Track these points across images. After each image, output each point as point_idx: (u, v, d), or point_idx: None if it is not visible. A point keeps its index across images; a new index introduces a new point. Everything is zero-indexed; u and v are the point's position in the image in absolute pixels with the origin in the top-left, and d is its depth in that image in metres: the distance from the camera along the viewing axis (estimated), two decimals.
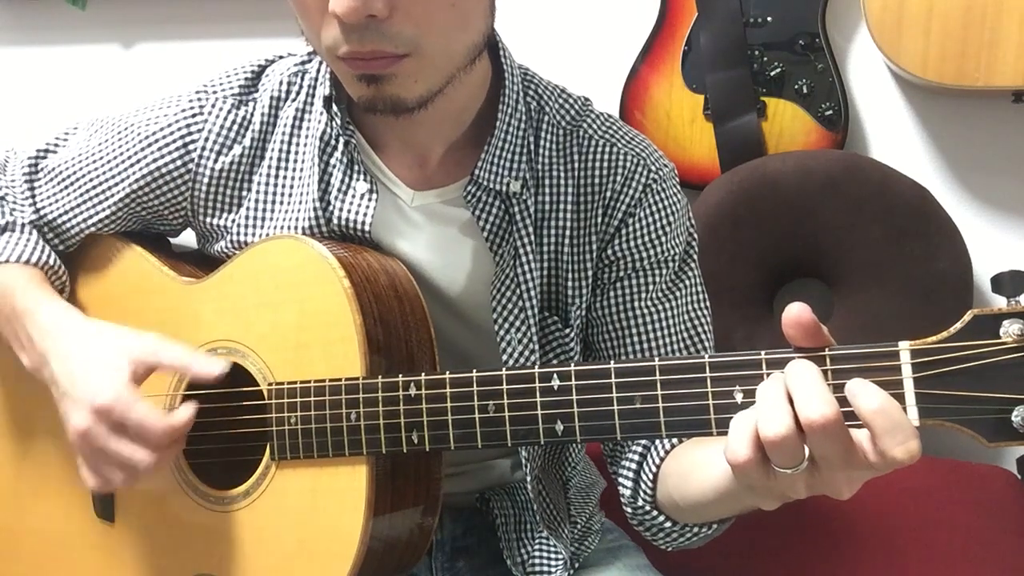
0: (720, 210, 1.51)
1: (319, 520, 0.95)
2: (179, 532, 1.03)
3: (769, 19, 1.53)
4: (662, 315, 1.07)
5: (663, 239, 1.06)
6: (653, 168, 1.07)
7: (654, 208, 1.06)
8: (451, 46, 0.92)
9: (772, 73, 1.53)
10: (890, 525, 1.36)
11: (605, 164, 1.06)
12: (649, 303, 1.07)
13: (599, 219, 1.06)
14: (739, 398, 0.79)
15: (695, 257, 1.11)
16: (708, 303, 1.12)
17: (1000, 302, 0.75)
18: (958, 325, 0.74)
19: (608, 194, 1.06)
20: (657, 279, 1.07)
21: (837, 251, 1.49)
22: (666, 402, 0.82)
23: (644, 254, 1.06)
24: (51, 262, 1.11)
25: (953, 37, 1.40)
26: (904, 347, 0.75)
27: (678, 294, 1.08)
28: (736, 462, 0.75)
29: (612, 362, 0.84)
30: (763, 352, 0.79)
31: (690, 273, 1.10)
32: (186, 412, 0.96)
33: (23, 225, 1.12)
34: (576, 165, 1.06)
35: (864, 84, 1.58)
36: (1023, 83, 1.40)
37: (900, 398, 0.74)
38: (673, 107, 1.58)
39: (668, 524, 1.02)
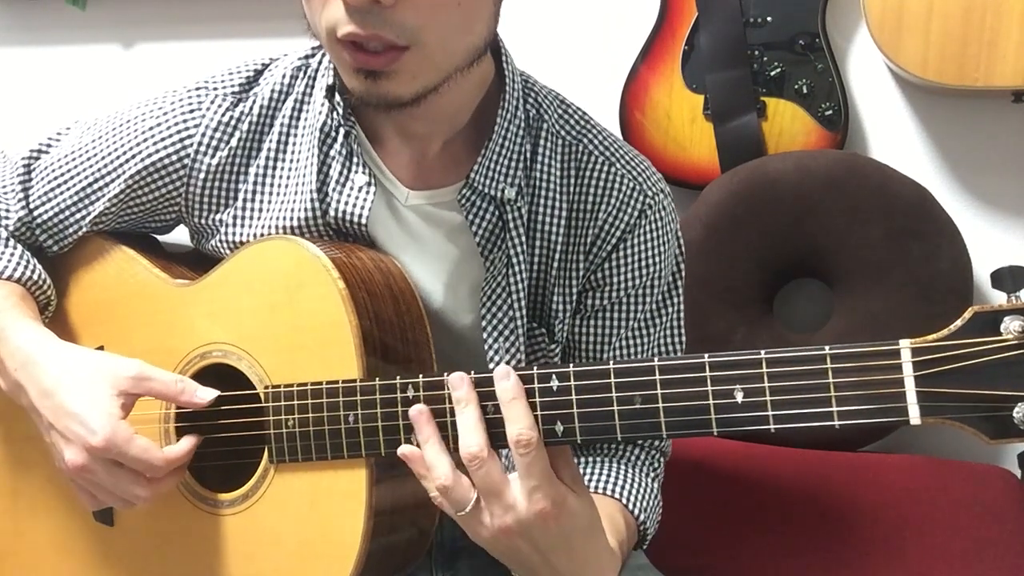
0: (720, 210, 1.50)
1: (319, 523, 0.95)
2: (178, 536, 1.03)
3: (769, 19, 1.53)
4: (638, 344, 1.10)
5: (651, 268, 1.07)
6: (649, 194, 1.07)
7: (647, 237, 1.07)
8: (451, 44, 0.92)
9: (772, 73, 1.53)
10: (890, 525, 1.36)
11: (602, 184, 1.06)
12: (628, 334, 1.09)
13: (590, 240, 1.06)
14: (739, 397, 0.78)
15: (680, 284, 1.12)
16: (684, 331, 1.14)
17: (1000, 298, 0.74)
18: (958, 322, 0.74)
19: (601, 215, 1.06)
20: (638, 312, 1.09)
21: (837, 251, 1.48)
22: (666, 402, 0.81)
23: (632, 283, 1.07)
24: (35, 276, 1.08)
25: (953, 37, 1.40)
26: (905, 345, 0.74)
27: (656, 326, 1.11)
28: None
29: (611, 362, 0.84)
30: (763, 351, 0.78)
31: (671, 305, 1.12)
32: (186, 444, 0.97)
33: (7, 239, 1.09)
34: (572, 180, 1.06)
35: (864, 84, 1.58)
36: (1023, 83, 1.39)
37: (901, 397, 0.74)
38: (673, 107, 1.58)
39: None
